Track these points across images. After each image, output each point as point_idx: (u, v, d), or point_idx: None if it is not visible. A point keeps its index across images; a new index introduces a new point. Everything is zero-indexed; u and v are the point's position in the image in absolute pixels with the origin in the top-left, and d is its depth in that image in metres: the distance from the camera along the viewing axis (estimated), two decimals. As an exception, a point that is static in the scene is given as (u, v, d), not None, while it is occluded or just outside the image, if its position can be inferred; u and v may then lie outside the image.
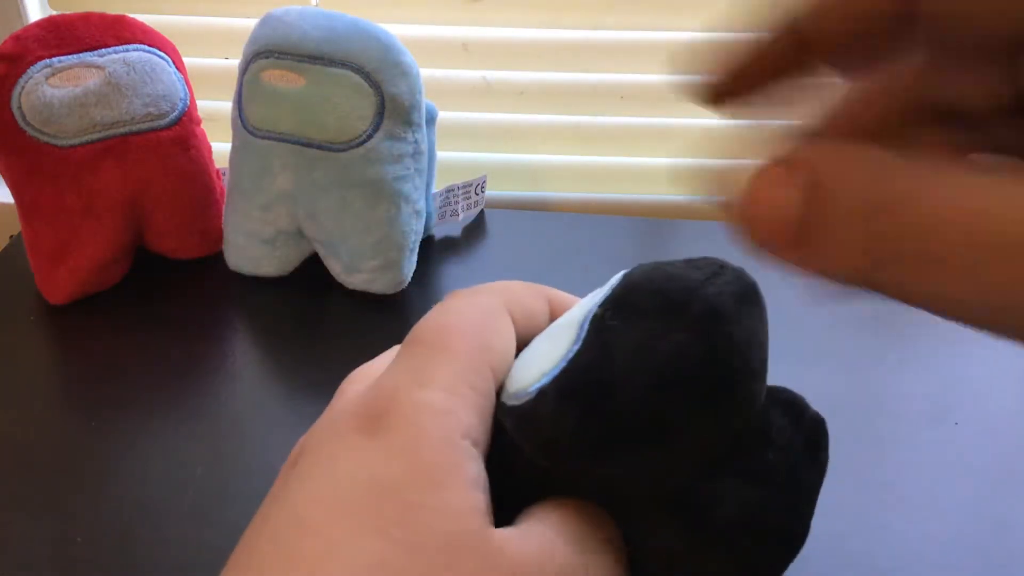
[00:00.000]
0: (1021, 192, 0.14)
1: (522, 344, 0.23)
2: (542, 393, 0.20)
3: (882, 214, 0.15)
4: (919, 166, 0.15)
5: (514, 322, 0.23)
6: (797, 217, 0.16)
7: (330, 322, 0.44)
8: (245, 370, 0.41)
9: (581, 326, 0.21)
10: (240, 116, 0.44)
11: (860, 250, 0.15)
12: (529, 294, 0.24)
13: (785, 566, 0.21)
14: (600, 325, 0.20)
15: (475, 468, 0.20)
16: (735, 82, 0.20)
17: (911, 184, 0.15)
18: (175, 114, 0.44)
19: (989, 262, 0.14)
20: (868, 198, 0.15)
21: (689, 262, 0.21)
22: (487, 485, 0.20)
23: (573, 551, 0.20)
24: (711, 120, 0.57)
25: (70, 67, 0.42)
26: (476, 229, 0.51)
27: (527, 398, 0.20)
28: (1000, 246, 0.14)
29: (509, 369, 0.22)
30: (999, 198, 0.14)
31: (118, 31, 0.44)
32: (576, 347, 0.20)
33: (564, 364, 0.20)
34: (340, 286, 0.45)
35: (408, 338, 0.22)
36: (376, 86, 0.42)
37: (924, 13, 0.17)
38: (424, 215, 0.45)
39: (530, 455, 0.21)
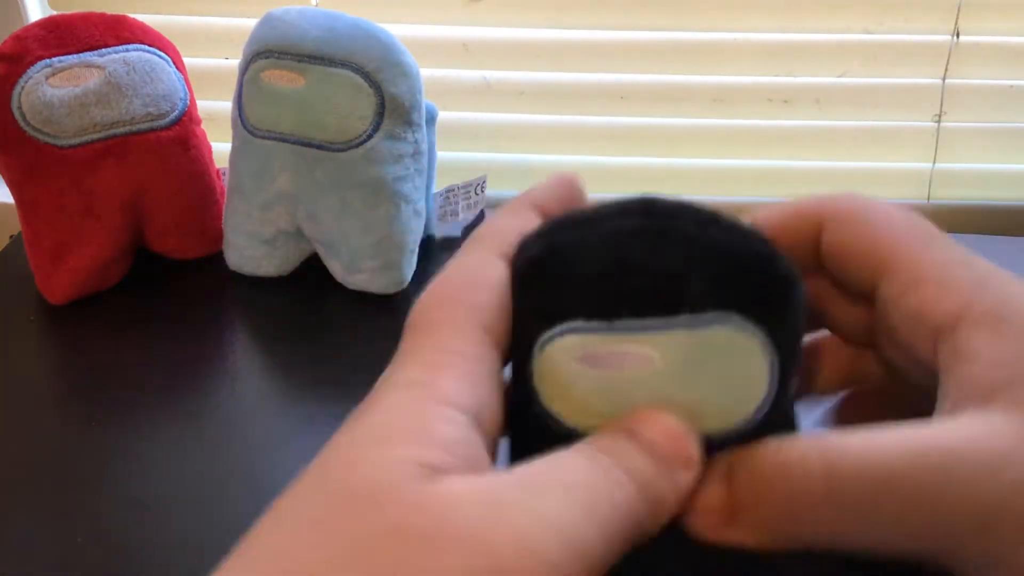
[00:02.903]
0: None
1: None
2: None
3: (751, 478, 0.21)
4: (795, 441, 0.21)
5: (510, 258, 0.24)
6: (721, 503, 0.21)
7: (330, 322, 0.44)
8: (245, 370, 0.41)
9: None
10: (240, 116, 0.44)
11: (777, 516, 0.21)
12: (514, 221, 0.25)
13: None
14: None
15: (446, 429, 0.20)
16: None
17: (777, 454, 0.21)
18: (175, 114, 0.44)
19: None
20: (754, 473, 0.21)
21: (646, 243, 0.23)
22: (471, 444, 0.20)
23: (515, 494, 0.19)
24: (710, 120, 0.57)
25: (70, 67, 0.42)
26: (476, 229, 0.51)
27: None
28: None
29: (507, 307, 0.23)
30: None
31: (118, 31, 0.44)
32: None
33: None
34: (340, 286, 0.45)
35: (405, 327, 0.23)
36: (376, 86, 0.42)
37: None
38: (424, 215, 0.45)
39: None
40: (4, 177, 0.43)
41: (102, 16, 0.44)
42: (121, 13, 0.45)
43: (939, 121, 0.56)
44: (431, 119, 0.45)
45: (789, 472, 0.21)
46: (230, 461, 0.35)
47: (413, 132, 0.43)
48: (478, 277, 0.23)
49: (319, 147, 0.42)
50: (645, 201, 0.24)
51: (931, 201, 0.58)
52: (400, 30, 0.45)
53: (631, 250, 0.23)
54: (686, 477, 0.22)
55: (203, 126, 0.46)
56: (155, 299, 0.45)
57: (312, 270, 0.46)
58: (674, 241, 0.23)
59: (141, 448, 0.36)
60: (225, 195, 0.46)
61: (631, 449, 0.22)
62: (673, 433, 0.22)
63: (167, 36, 0.46)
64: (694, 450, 0.22)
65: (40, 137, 0.42)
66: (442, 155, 0.49)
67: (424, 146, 0.44)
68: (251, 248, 0.45)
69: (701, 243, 0.23)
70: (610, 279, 0.22)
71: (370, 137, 0.42)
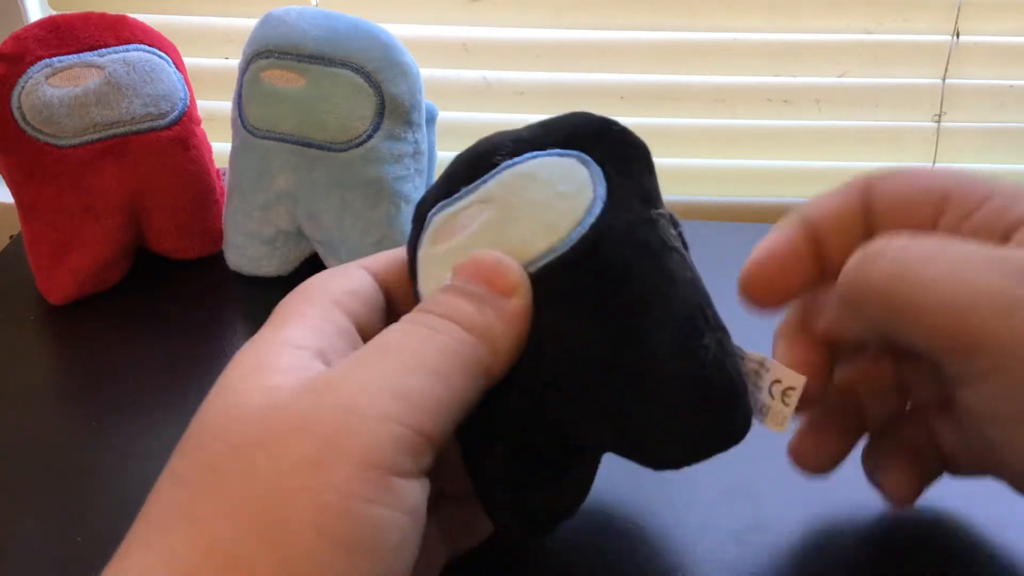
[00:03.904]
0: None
1: (399, 280, 0.27)
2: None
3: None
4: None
5: (372, 269, 0.27)
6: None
7: (330, 322, 0.44)
8: (245, 370, 0.41)
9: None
10: (240, 116, 0.44)
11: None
12: (392, 250, 0.28)
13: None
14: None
15: (285, 360, 0.22)
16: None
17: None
18: (175, 114, 0.44)
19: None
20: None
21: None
22: (312, 369, 0.22)
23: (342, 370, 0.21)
24: (710, 120, 0.57)
25: (70, 67, 0.42)
26: (476, 229, 0.51)
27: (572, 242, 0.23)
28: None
29: (368, 295, 0.26)
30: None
31: (118, 31, 0.44)
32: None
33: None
34: (340, 286, 0.45)
35: None
36: (376, 86, 0.42)
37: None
38: (424, 215, 0.45)
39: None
40: (4, 177, 0.43)
41: (102, 16, 0.44)
42: (121, 13, 0.45)
43: (939, 121, 0.56)
44: (431, 119, 0.46)
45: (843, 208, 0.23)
46: (230, 461, 0.35)
47: (413, 132, 0.43)
48: (333, 274, 0.26)
49: (319, 147, 0.42)
50: None
51: (931, 201, 0.58)
52: (400, 30, 0.45)
53: (462, 153, 0.27)
54: (515, 303, 0.23)
55: (203, 126, 0.46)
56: (155, 299, 0.45)
57: (312, 270, 0.45)
58: (497, 134, 0.27)
59: (141, 448, 0.36)
60: (225, 195, 0.46)
61: (448, 297, 0.23)
62: (485, 266, 0.23)
63: (167, 36, 0.46)
64: (512, 273, 0.23)
65: (40, 137, 0.42)
66: (442, 155, 0.49)
67: (424, 146, 0.44)
68: (251, 248, 0.45)
69: (520, 128, 0.27)
70: (448, 172, 0.26)
71: (370, 137, 0.42)
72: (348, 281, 0.26)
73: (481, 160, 0.25)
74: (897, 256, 0.23)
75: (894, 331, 0.23)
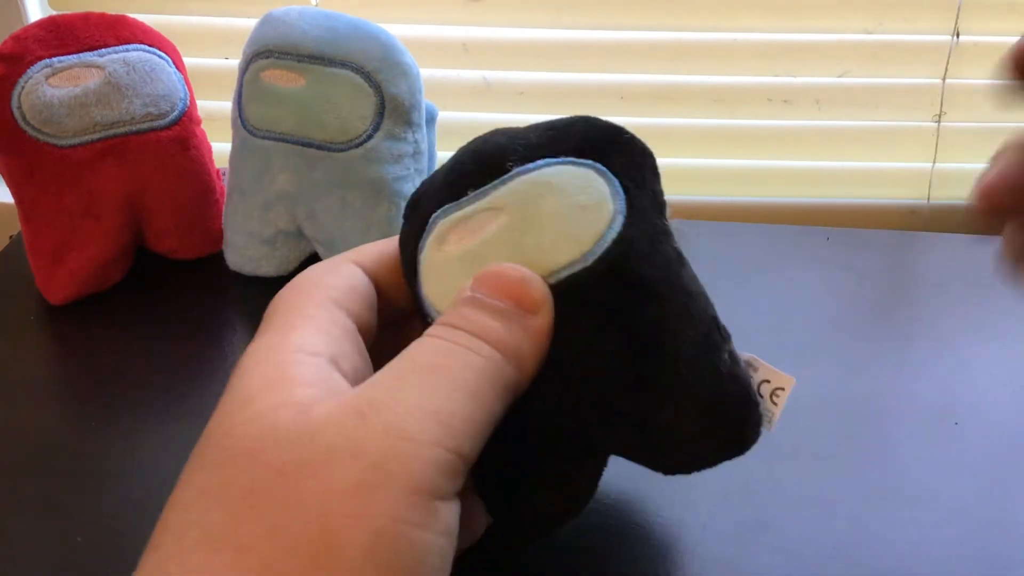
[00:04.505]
0: None
1: (387, 273, 0.26)
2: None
3: None
4: None
5: (362, 263, 0.26)
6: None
7: (330, 322, 0.44)
8: (245, 370, 0.41)
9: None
10: (240, 116, 0.44)
11: None
12: (378, 242, 0.27)
13: None
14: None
15: (304, 370, 0.21)
16: None
17: None
18: (175, 114, 0.44)
19: None
20: None
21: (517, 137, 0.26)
22: (333, 380, 0.21)
23: (376, 395, 0.20)
24: (710, 120, 0.57)
25: (70, 67, 0.42)
26: (476, 229, 0.51)
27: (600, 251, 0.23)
28: None
29: (365, 293, 0.25)
30: None
31: (118, 31, 0.44)
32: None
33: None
34: (340, 286, 0.45)
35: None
36: (376, 86, 0.42)
37: None
38: (424, 215, 0.45)
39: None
40: (4, 177, 0.43)
41: (102, 16, 0.44)
42: (121, 13, 0.45)
43: (939, 121, 0.56)
44: (431, 119, 0.46)
45: None
46: (230, 461, 0.35)
47: (413, 132, 0.43)
48: (328, 270, 0.26)
49: (319, 147, 0.42)
50: None
51: (931, 201, 0.58)
52: (400, 30, 0.45)
53: (466, 152, 0.27)
54: (540, 321, 0.23)
55: (203, 126, 0.46)
56: (155, 299, 0.45)
57: (312, 270, 0.46)
58: (499, 134, 0.27)
59: (141, 448, 0.36)
60: (225, 195, 0.46)
61: (475, 313, 0.22)
62: (510, 281, 0.23)
63: (167, 36, 0.46)
64: (537, 291, 0.23)
65: (40, 137, 0.42)
66: (442, 155, 0.49)
67: (424, 146, 0.44)
68: (251, 248, 0.45)
69: (523, 129, 0.26)
70: (452, 173, 0.26)
71: (370, 137, 0.42)
72: (343, 278, 0.25)
73: (490, 164, 0.25)
74: None
75: None
